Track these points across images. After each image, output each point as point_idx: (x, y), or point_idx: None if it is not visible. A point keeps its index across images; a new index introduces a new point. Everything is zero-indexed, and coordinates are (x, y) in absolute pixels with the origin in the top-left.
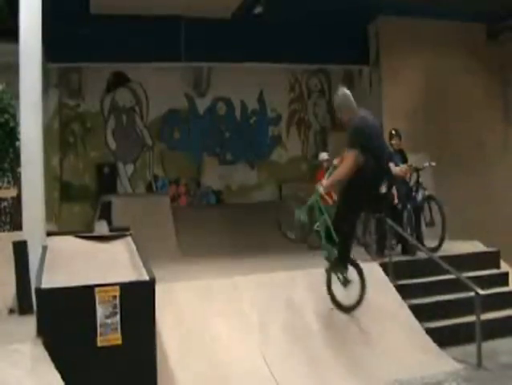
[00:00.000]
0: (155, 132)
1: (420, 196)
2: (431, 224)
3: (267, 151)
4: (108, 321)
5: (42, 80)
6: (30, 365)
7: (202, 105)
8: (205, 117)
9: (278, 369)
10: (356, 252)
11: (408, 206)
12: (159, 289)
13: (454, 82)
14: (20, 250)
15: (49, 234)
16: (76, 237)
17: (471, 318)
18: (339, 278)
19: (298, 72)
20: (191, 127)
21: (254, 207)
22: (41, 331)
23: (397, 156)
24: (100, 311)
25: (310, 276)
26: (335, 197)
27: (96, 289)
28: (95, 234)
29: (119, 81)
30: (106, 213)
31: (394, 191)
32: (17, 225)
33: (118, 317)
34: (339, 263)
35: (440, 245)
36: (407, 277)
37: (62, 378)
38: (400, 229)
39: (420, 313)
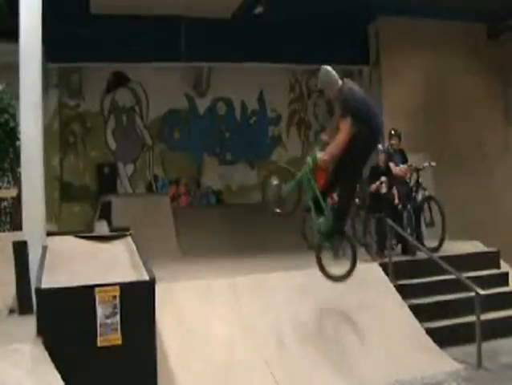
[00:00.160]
0: (155, 132)
1: (420, 197)
2: (431, 224)
3: (267, 152)
4: (108, 321)
5: (42, 80)
6: (30, 365)
7: (202, 105)
8: (205, 117)
9: (278, 369)
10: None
11: (408, 206)
12: (159, 289)
13: (454, 82)
14: (20, 250)
15: (49, 234)
16: (76, 237)
17: (471, 318)
18: (331, 248)
19: (298, 72)
20: (191, 127)
21: (254, 207)
22: (41, 331)
23: (397, 156)
24: (100, 311)
25: (310, 276)
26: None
27: (96, 289)
28: (95, 234)
29: (119, 81)
30: (106, 213)
31: (394, 191)
32: (17, 225)
33: (118, 317)
34: (335, 235)
35: (440, 245)
36: (407, 277)
37: (62, 378)
38: (400, 229)
39: (420, 313)
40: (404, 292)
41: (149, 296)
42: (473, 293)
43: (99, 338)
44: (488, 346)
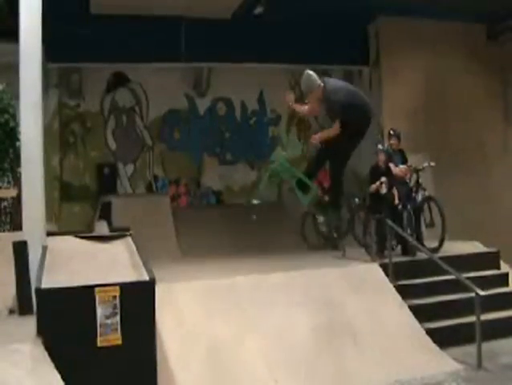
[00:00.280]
0: (155, 132)
1: (420, 197)
2: (431, 224)
3: (267, 152)
4: (108, 321)
5: (42, 80)
6: (30, 365)
7: (202, 105)
8: (205, 117)
9: (278, 370)
10: (357, 252)
11: (408, 207)
12: (159, 290)
13: (454, 82)
14: (20, 250)
15: (49, 234)
16: (76, 237)
17: (471, 319)
18: (324, 219)
19: (298, 73)
20: (191, 127)
21: (254, 207)
22: (41, 331)
23: (397, 157)
24: (100, 311)
25: (310, 276)
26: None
27: (96, 289)
28: (95, 234)
29: (119, 81)
30: (106, 213)
31: (394, 191)
32: (17, 225)
33: (118, 317)
34: (332, 208)
35: (440, 245)
36: (407, 277)
37: (62, 378)
38: (400, 230)
39: (420, 313)
40: (404, 292)
41: (149, 296)
42: (473, 294)
43: (99, 338)
44: (488, 346)
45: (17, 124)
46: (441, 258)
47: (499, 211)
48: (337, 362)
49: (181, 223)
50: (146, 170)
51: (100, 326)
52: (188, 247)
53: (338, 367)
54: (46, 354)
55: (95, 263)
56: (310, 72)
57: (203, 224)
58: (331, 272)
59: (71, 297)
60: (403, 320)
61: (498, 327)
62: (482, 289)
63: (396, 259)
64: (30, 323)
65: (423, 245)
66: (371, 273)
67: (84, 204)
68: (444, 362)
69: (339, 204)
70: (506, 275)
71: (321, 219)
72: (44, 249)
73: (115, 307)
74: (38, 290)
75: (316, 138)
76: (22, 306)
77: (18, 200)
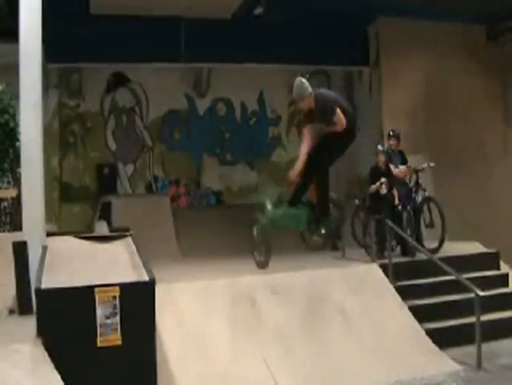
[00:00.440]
0: (155, 133)
1: (419, 198)
2: (430, 225)
3: (267, 152)
4: (108, 321)
5: (42, 80)
6: (30, 365)
7: (202, 106)
8: (205, 118)
9: (278, 370)
10: (357, 253)
11: (408, 207)
12: (159, 290)
13: (454, 83)
14: (20, 251)
15: (49, 234)
16: (76, 237)
17: (471, 319)
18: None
19: (298, 73)
20: (191, 127)
21: (254, 208)
22: (41, 332)
23: (397, 157)
24: (100, 312)
25: (310, 277)
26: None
27: (96, 289)
28: (95, 235)
29: (119, 81)
30: (106, 214)
31: (394, 192)
32: (17, 226)
33: (118, 317)
34: (323, 218)
35: (440, 246)
36: (407, 278)
37: (62, 378)
38: (399, 230)
39: (419, 314)
40: (404, 293)
41: (149, 296)
42: (472, 295)
43: (98, 339)
44: (488, 347)
45: (17, 125)
46: (441, 259)
47: (499, 211)
48: (337, 362)
49: (181, 223)
50: (146, 170)
51: (100, 326)
52: (188, 247)
53: (338, 367)
54: (46, 354)
55: (95, 263)
56: (303, 80)
57: (203, 225)
58: (330, 272)
59: (71, 297)
60: (403, 320)
61: (498, 328)
62: (482, 289)
63: (395, 260)
64: (30, 323)
65: (422, 245)
66: (371, 273)
67: (84, 204)
68: (443, 362)
69: (329, 212)
70: (506, 276)
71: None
72: (44, 249)
73: (115, 307)
74: (38, 290)
75: (293, 174)
76: (22, 306)
77: (17, 200)
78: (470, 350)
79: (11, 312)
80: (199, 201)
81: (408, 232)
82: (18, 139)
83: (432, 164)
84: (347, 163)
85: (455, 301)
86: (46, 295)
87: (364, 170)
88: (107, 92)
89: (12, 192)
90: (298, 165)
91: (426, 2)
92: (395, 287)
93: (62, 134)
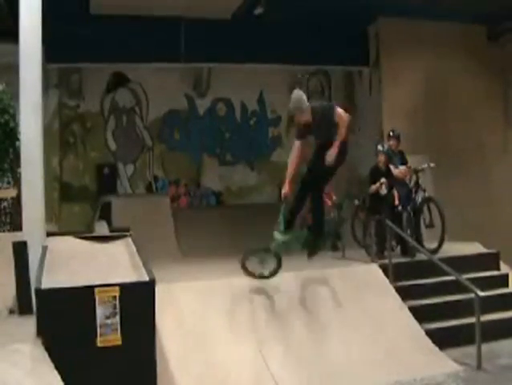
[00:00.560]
0: (155, 133)
1: (419, 198)
2: (430, 225)
3: (267, 152)
4: (108, 321)
5: (42, 80)
6: (30, 365)
7: (202, 106)
8: (205, 118)
9: (278, 370)
10: (357, 253)
11: (408, 208)
12: (159, 290)
13: (454, 83)
14: (20, 251)
15: (49, 234)
16: (76, 237)
17: (471, 320)
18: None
19: (298, 73)
20: (191, 127)
21: (254, 208)
22: (41, 332)
23: (397, 158)
24: (100, 312)
25: (310, 277)
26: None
27: (96, 289)
28: (95, 235)
29: (119, 81)
30: (106, 214)
31: (394, 192)
32: (17, 226)
33: (118, 317)
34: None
35: (439, 246)
36: (407, 278)
37: (62, 378)
38: (399, 231)
39: (419, 314)
40: (404, 293)
41: (149, 297)
42: (472, 295)
43: (98, 339)
44: (488, 347)
45: (17, 125)
46: (441, 259)
47: (499, 212)
48: (337, 362)
49: (181, 223)
50: (146, 170)
51: (100, 326)
52: (188, 247)
53: (338, 368)
54: (46, 354)
55: (95, 263)
56: (301, 92)
57: (203, 225)
58: (330, 272)
59: (71, 297)
60: (403, 321)
61: (498, 328)
62: (482, 290)
63: (395, 260)
64: (30, 323)
65: (422, 245)
66: (371, 273)
67: (84, 204)
68: (443, 363)
69: (324, 234)
70: (506, 276)
71: None
72: (44, 249)
73: (115, 307)
74: (38, 291)
75: (286, 189)
76: (22, 306)
77: (17, 200)
78: (470, 350)
79: (11, 312)
80: (199, 201)
81: (408, 232)
82: (18, 139)
83: (432, 165)
84: (347, 163)
85: (455, 302)
86: (46, 295)
87: (364, 170)
88: (107, 92)
89: (12, 192)
90: (288, 175)
91: (426, 2)
92: (395, 287)
93: (63, 134)
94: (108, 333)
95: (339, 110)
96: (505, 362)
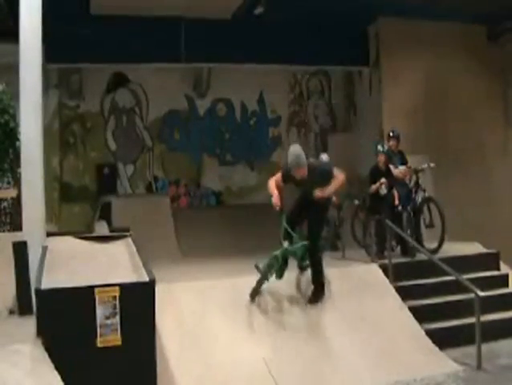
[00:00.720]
0: (155, 133)
1: (419, 198)
2: (430, 225)
3: (267, 153)
4: (108, 321)
5: (42, 81)
6: (30, 366)
7: (202, 106)
8: (205, 118)
9: (278, 371)
10: (357, 253)
11: (408, 208)
12: (159, 290)
13: (454, 83)
14: (20, 251)
15: (49, 235)
16: (76, 237)
17: (471, 320)
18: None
19: (298, 73)
20: (191, 128)
21: (254, 208)
22: (41, 332)
23: (396, 158)
24: (100, 312)
25: (309, 277)
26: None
27: (96, 289)
28: (95, 235)
29: (119, 82)
30: (106, 214)
31: (394, 192)
32: (17, 226)
33: (118, 317)
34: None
35: (439, 246)
36: (407, 278)
37: (62, 378)
38: (399, 231)
39: (419, 314)
40: (404, 293)
41: (149, 297)
42: (472, 295)
43: (98, 339)
44: (488, 347)
45: (17, 125)
46: (441, 259)
47: (499, 212)
48: (337, 362)
49: (181, 223)
50: (146, 170)
51: (100, 326)
52: (188, 247)
53: (338, 367)
54: (46, 354)
55: (94, 263)
56: (299, 148)
57: (203, 225)
58: (330, 272)
59: (71, 297)
60: (403, 321)
61: (498, 328)
62: (482, 290)
63: (395, 260)
64: (30, 323)
65: (422, 245)
66: (371, 273)
67: (84, 204)
68: (443, 363)
69: (318, 250)
70: (506, 276)
71: None
72: (44, 249)
73: (115, 308)
74: (38, 291)
75: (274, 198)
76: (22, 307)
77: (17, 200)
78: (470, 350)
79: (11, 312)
80: (199, 201)
81: (408, 232)
82: (18, 140)
83: (432, 165)
84: (347, 163)
85: (455, 302)
86: (46, 295)
87: (364, 170)
88: (108, 92)
89: (12, 192)
90: (271, 189)
91: (426, 2)
92: (395, 287)
93: (63, 134)
94: (108, 333)
95: (337, 172)
96: (505, 362)
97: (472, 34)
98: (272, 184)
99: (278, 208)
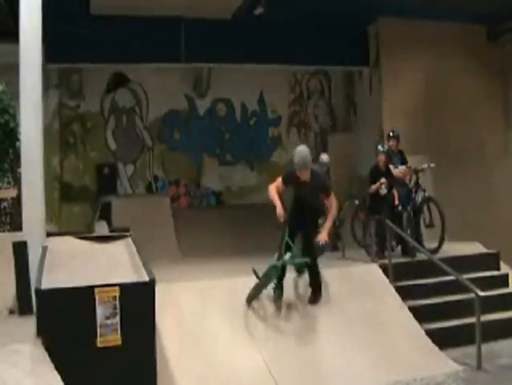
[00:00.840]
0: (155, 133)
1: (419, 198)
2: (430, 225)
3: (267, 153)
4: (108, 321)
5: (42, 81)
6: (30, 365)
7: (202, 106)
8: (205, 118)
9: (278, 371)
10: (357, 253)
11: (408, 208)
12: (159, 290)
13: (454, 83)
14: (20, 251)
15: (49, 235)
16: (76, 237)
17: (471, 320)
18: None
19: (298, 73)
20: (191, 127)
21: (254, 208)
22: (41, 332)
23: (396, 158)
24: (100, 312)
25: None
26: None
27: (96, 289)
28: (95, 235)
29: (119, 81)
30: (106, 214)
31: (394, 192)
32: (17, 226)
33: (118, 318)
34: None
35: (439, 246)
36: (407, 278)
37: (62, 378)
38: (399, 231)
39: (419, 314)
40: (404, 293)
41: (149, 297)
42: (472, 295)
43: (98, 339)
44: (488, 347)
45: (17, 125)
46: (441, 259)
47: (499, 212)
48: (337, 363)
49: (181, 223)
50: (146, 170)
51: (100, 326)
52: (188, 247)
53: (337, 367)
54: (46, 354)
55: (94, 263)
56: (308, 150)
57: (203, 225)
58: (331, 272)
59: (71, 297)
60: (403, 321)
61: (498, 328)
62: (482, 290)
63: (395, 260)
64: (30, 323)
65: (422, 245)
66: (371, 273)
67: (84, 204)
68: (443, 363)
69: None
70: (506, 276)
71: None
72: (44, 249)
73: (115, 308)
74: (38, 291)
75: (278, 209)
76: (22, 306)
77: (18, 200)
78: (470, 350)
79: (11, 312)
80: (199, 201)
81: (408, 232)
82: (18, 140)
83: (432, 165)
84: (347, 163)
85: (455, 302)
86: (46, 295)
87: (364, 170)
88: (108, 92)
89: (12, 192)
90: (274, 199)
91: (426, 2)
92: (395, 287)
93: (63, 134)
94: (108, 333)
95: (332, 196)
96: (505, 362)
97: (472, 34)
98: (273, 190)
99: (282, 219)
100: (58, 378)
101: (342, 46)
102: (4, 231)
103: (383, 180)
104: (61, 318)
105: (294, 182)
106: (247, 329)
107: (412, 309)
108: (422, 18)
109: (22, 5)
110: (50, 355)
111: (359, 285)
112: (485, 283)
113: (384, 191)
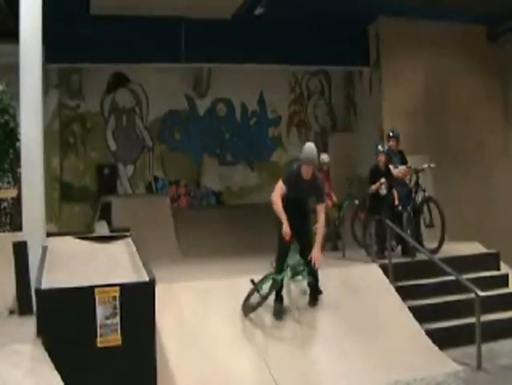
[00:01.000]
0: (155, 133)
1: (419, 198)
2: (430, 225)
3: (267, 153)
4: (108, 322)
5: (43, 81)
6: (29, 365)
7: (202, 106)
8: (205, 118)
9: (278, 371)
10: (357, 253)
11: (408, 208)
12: (159, 290)
13: (454, 83)
14: (20, 251)
15: (49, 235)
16: (76, 237)
17: (471, 320)
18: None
19: (298, 73)
20: (191, 128)
21: (254, 208)
22: (41, 332)
23: (396, 158)
24: (100, 312)
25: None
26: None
27: (96, 289)
28: (95, 235)
29: (119, 82)
30: (106, 214)
31: (394, 192)
32: (17, 226)
33: (118, 318)
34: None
35: (439, 246)
36: (407, 278)
37: (62, 378)
38: (399, 231)
39: (420, 314)
40: (404, 293)
41: (149, 297)
42: (472, 295)
43: (98, 339)
44: (488, 347)
45: (17, 125)
46: (441, 259)
47: (499, 212)
48: (337, 363)
49: (181, 224)
50: (146, 171)
51: (100, 326)
52: (188, 247)
53: (337, 367)
54: (46, 354)
55: (95, 264)
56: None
57: (203, 225)
58: (330, 272)
59: (71, 297)
60: (403, 321)
61: (498, 328)
62: (482, 290)
63: (395, 260)
64: (30, 323)
65: (422, 245)
66: (371, 273)
67: (84, 204)
68: (444, 363)
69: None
70: (506, 276)
71: None
72: (44, 249)
73: (115, 308)
74: (38, 291)
75: (285, 226)
76: (22, 307)
77: (18, 200)
78: (470, 350)
79: (11, 312)
80: (199, 201)
81: (408, 232)
82: (18, 140)
83: (432, 165)
84: (347, 163)
85: (455, 302)
86: (46, 295)
87: (364, 170)
88: (108, 93)
89: (12, 192)
90: (280, 214)
91: (426, 2)
92: (395, 287)
93: (63, 134)
94: (108, 333)
95: (323, 206)
96: (505, 362)
97: (472, 34)
98: (278, 202)
99: (287, 238)
100: (58, 378)
101: (342, 46)
102: (4, 231)
103: (383, 180)
104: (61, 318)
105: (295, 179)
106: (247, 329)
107: (412, 309)
108: (422, 18)
109: (22, 5)
110: (50, 355)
111: (358, 284)
112: (485, 283)
113: (384, 191)
